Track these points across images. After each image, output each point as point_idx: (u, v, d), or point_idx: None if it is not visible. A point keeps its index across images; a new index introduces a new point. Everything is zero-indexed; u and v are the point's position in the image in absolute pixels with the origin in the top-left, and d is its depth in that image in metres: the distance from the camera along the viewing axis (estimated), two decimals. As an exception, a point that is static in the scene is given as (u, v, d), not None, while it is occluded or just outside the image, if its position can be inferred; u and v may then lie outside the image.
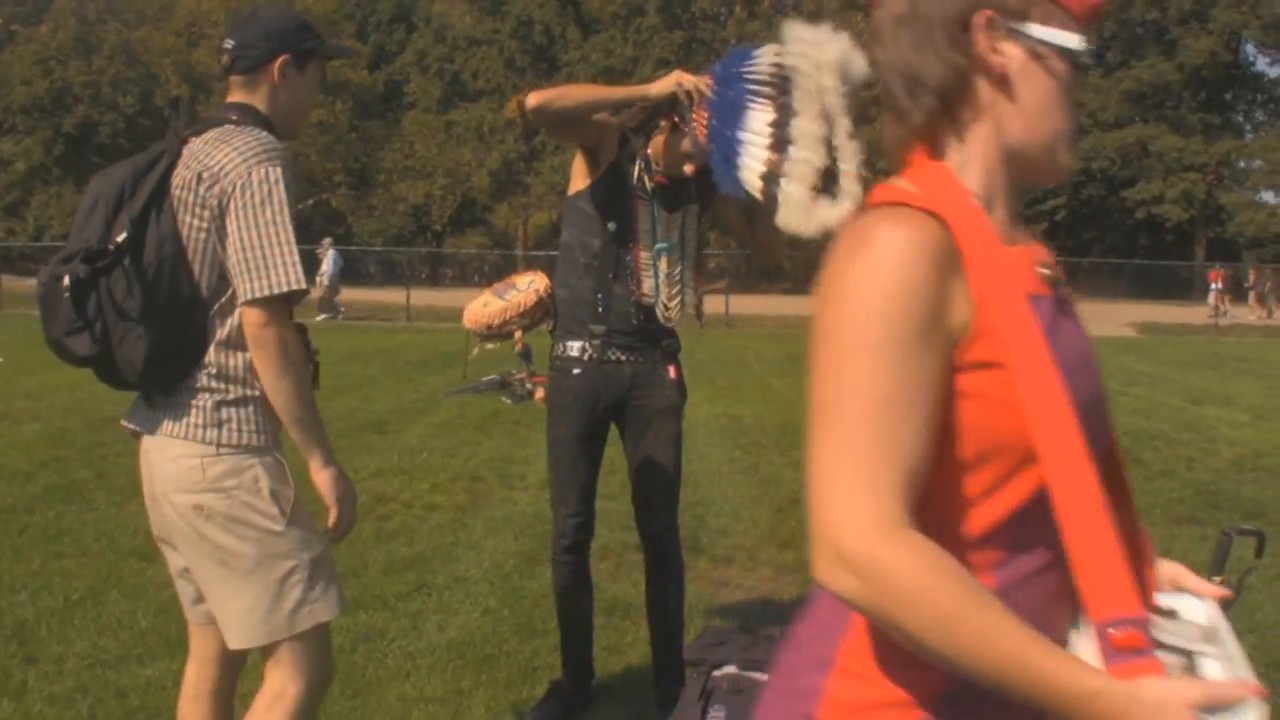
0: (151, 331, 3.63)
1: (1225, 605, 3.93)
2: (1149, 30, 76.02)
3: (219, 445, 3.68)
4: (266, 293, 3.55)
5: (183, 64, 70.96)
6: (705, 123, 4.74)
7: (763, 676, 4.22)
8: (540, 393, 6.95)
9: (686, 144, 5.22)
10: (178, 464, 3.74)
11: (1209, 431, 14.77)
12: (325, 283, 39.31)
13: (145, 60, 71.92)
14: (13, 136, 73.05)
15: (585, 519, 5.68)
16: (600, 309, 5.50)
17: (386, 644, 6.41)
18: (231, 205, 3.59)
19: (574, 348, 5.57)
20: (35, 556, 8.07)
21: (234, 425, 3.70)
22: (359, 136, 69.11)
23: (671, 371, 5.63)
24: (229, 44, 3.95)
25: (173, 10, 73.90)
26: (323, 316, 37.71)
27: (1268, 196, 75.66)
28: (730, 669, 4.30)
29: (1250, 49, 78.01)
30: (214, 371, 3.69)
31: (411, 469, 11.30)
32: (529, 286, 5.86)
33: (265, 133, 3.75)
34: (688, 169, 5.35)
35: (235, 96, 3.94)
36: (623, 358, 5.54)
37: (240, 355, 3.69)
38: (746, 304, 42.91)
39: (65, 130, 71.87)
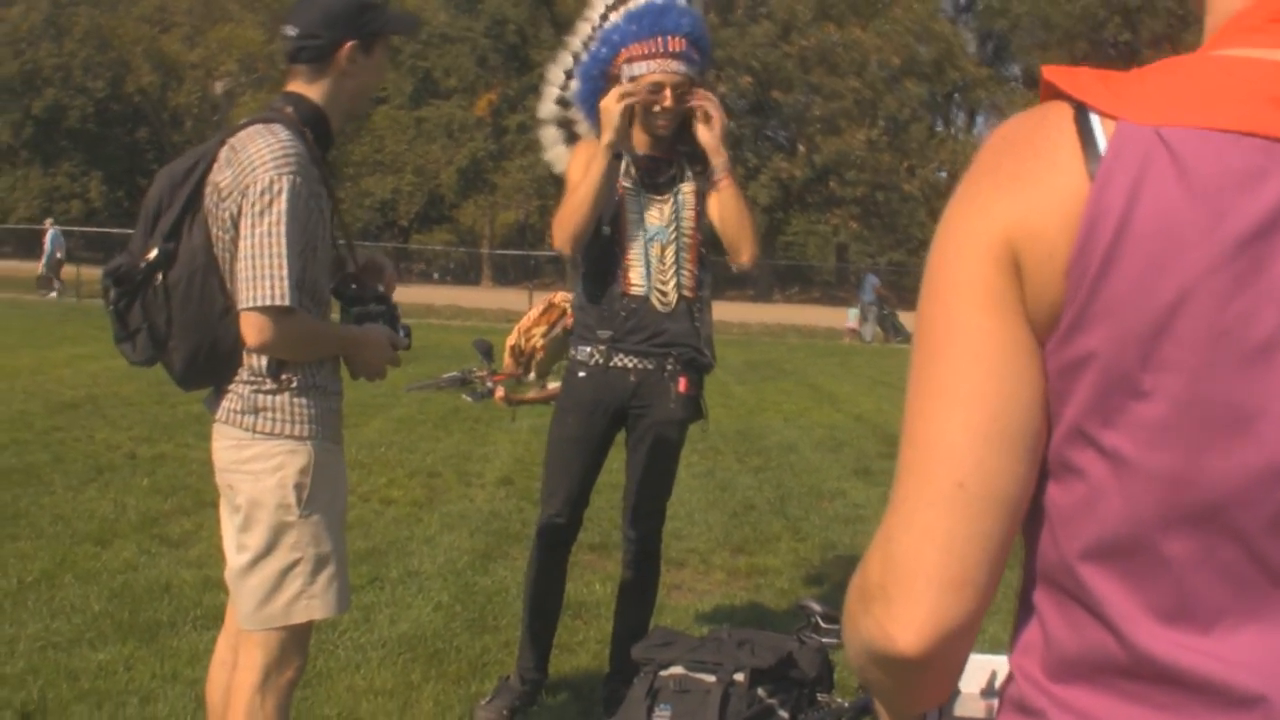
0: (185, 344, 3.77)
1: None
2: (1120, 52, 76.31)
3: (254, 431, 3.77)
4: (249, 304, 3.59)
5: (153, 51, 70.72)
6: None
7: (709, 678, 4.26)
8: (500, 391, 6.99)
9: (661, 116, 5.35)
10: (221, 444, 3.86)
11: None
12: (45, 261, 41.23)
13: (117, 46, 71.57)
14: (-20, 117, 72.73)
15: (568, 521, 5.68)
16: (604, 314, 5.52)
17: (338, 635, 6.43)
18: (241, 212, 3.63)
19: (584, 352, 5.58)
20: (-10, 538, 8.08)
21: (270, 414, 3.77)
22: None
23: (682, 384, 5.59)
24: (291, 31, 3.89)
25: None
26: (47, 294, 39.29)
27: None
28: (677, 669, 4.33)
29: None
30: (252, 366, 3.77)
31: (370, 463, 11.32)
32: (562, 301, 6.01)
33: (287, 135, 3.72)
34: (661, 126, 5.41)
35: (294, 85, 3.92)
36: (629, 364, 5.51)
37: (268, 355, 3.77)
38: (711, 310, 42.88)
39: (34, 113, 71.46)
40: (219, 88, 71.17)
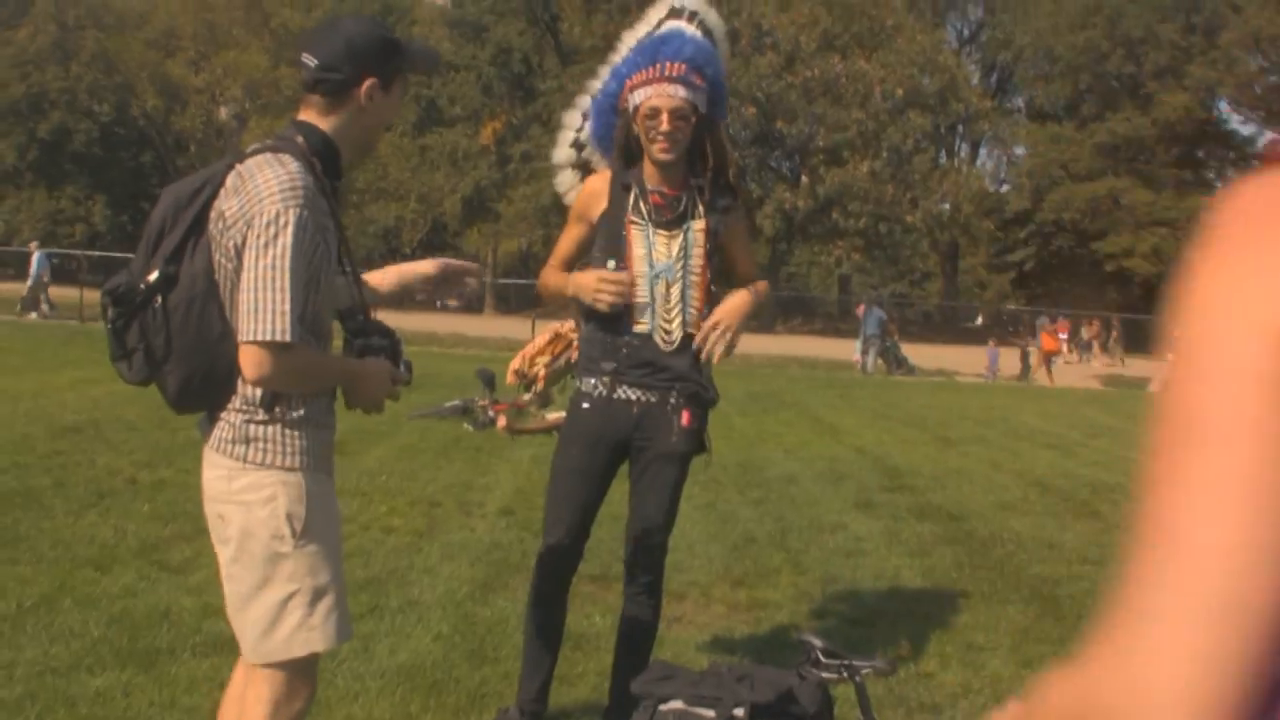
0: (180, 368, 3.76)
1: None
2: (1124, 84, 76.43)
3: (245, 461, 3.75)
4: (249, 338, 3.57)
5: (158, 76, 70.86)
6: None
7: (709, 713, 4.24)
8: (502, 420, 6.99)
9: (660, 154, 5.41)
10: (213, 474, 3.84)
11: (1166, 487, 14.82)
12: (30, 283, 41.43)
13: (123, 70, 71.73)
14: (-13, 139, 72.91)
15: (569, 550, 5.69)
16: (608, 347, 5.53)
17: (336, 665, 6.40)
18: (245, 243, 3.61)
19: (588, 383, 5.60)
20: (-11, 562, 8.06)
21: (260, 444, 3.75)
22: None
23: (685, 418, 5.60)
24: (311, 62, 3.84)
25: (149, 18, 73.82)
26: (31, 315, 39.66)
27: (1236, 254, 76.11)
28: (677, 704, 4.31)
29: (1224, 106, 78.59)
30: (245, 395, 3.75)
31: (370, 491, 11.29)
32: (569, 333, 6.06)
33: (296, 166, 3.70)
34: (661, 151, 5.44)
35: (307, 114, 3.89)
36: (632, 396, 5.52)
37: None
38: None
39: (40, 135, 71.66)
40: (224, 114, 71.32)
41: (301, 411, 3.78)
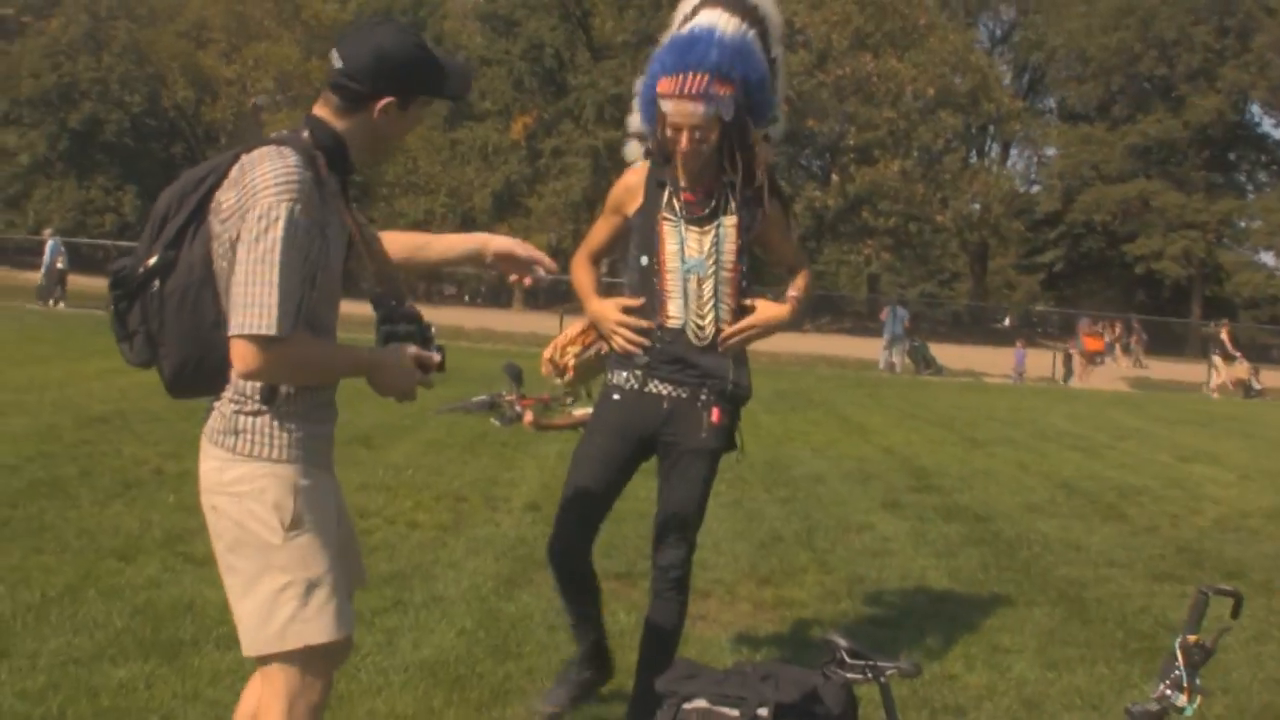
0: (175, 353, 3.75)
1: (1198, 662, 3.95)
2: (1156, 86, 76.19)
3: (235, 452, 3.74)
4: (237, 332, 3.55)
5: (190, 66, 71.03)
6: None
7: (733, 712, 4.21)
8: (529, 415, 6.98)
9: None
10: (207, 465, 3.82)
11: (1195, 489, 14.77)
12: (44, 270, 41.69)
13: (154, 61, 71.92)
14: (18, 129, 73.06)
15: (586, 535, 5.78)
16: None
17: (360, 659, 6.37)
18: (239, 236, 3.58)
19: (619, 376, 5.64)
20: (15, 551, 8.05)
21: (249, 435, 3.74)
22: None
23: (714, 414, 5.61)
24: (338, 63, 3.81)
25: (181, 10, 74.03)
26: (43, 304, 39.65)
27: (1267, 258, 75.90)
28: (701, 702, 4.27)
29: (1256, 109, 78.36)
30: (239, 385, 3.74)
31: (396, 485, 11.29)
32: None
33: (296, 160, 3.66)
34: (688, 166, 5.50)
35: (321, 110, 3.87)
36: (663, 391, 5.55)
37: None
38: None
39: (71, 125, 71.90)
40: (255, 105, 71.48)
41: (295, 406, 3.77)
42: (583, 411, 6.43)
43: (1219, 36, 73.14)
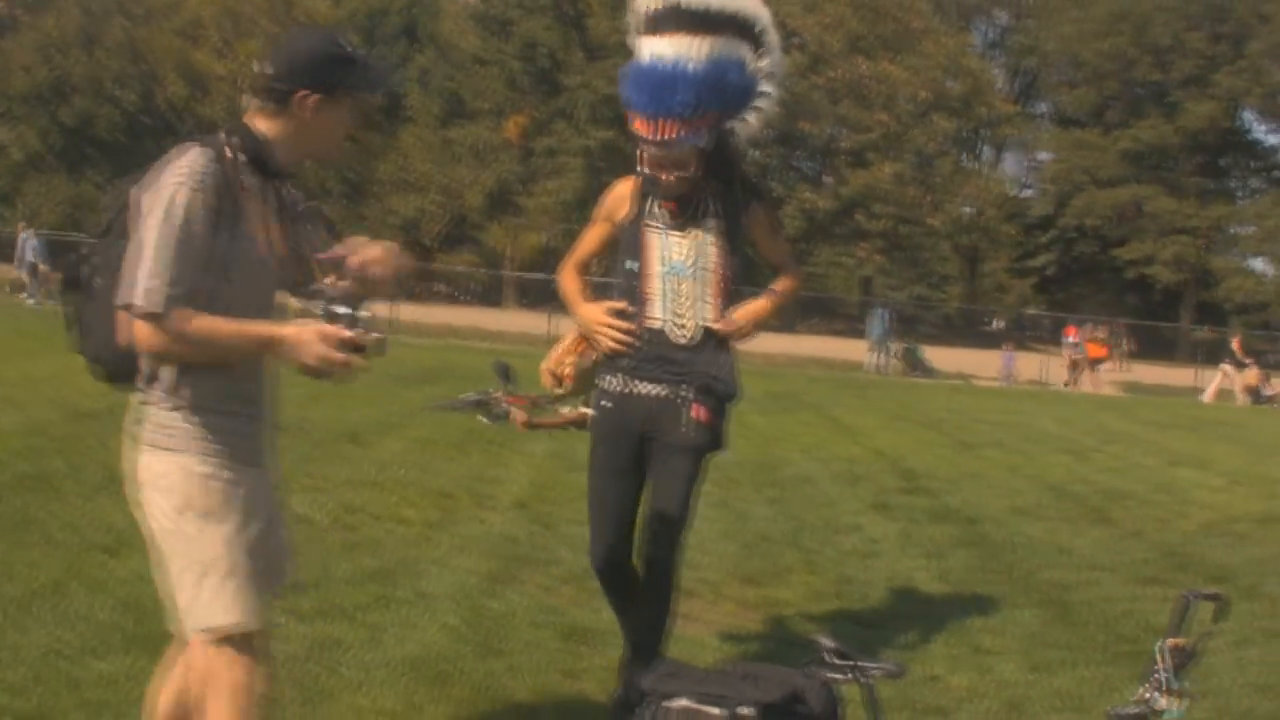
0: (91, 341, 3.96)
1: (1182, 665, 3.97)
2: (1150, 92, 76.19)
3: (139, 441, 3.90)
4: (119, 303, 3.70)
5: (183, 64, 70.92)
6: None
7: (716, 711, 4.21)
8: (520, 415, 6.99)
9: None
10: (125, 454, 4.00)
11: (1182, 494, 14.74)
12: (21, 265, 41.82)
13: (149, 58, 71.80)
14: (9, 124, 72.87)
15: (615, 545, 5.87)
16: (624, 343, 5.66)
17: (343, 654, 6.39)
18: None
19: (607, 380, 5.76)
20: (0, 544, 8.04)
21: (152, 424, 3.88)
22: (356, 147, 68.99)
23: (695, 410, 5.65)
24: (267, 69, 3.96)
25: (176, 8, 73.94)
26: (28, 298, 39.52)
27: (1257, 263, 75.96)
28: (683, 701, 4.28)
29: (1249, 116, 78.37)
30: (143, 377, 3.89)
31: (384, 482, 11.26)
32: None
33: (199, 153, 3.81)
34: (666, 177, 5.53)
35: (248, 115, 4.00)
36: (646, 390, 5.63)
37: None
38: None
39: (63, 121, 71.68)
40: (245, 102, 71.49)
41: (197, 396, 3.86)
42: (573, 411, 6.48)
43: (1213, 43, 73.09)
